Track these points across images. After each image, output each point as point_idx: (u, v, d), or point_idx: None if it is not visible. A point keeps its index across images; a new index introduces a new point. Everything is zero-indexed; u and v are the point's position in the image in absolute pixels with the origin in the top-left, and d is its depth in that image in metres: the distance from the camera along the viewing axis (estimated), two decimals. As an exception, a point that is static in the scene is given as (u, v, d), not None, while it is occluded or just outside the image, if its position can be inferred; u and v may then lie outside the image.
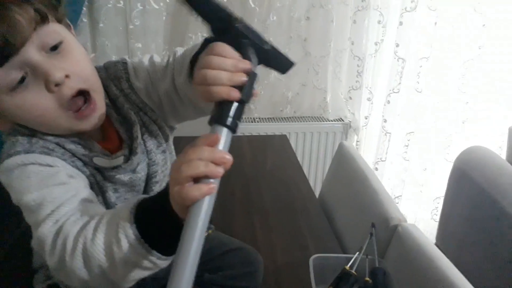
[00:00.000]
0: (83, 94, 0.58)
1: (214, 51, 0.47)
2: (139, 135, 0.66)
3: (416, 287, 0.80)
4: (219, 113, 0.45)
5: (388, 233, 0.91)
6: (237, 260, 0.84)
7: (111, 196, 0.65)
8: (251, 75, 0.46)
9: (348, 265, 0.85)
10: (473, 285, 0.71)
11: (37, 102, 0.54)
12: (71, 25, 0.62)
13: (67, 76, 0.54)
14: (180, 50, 0.64)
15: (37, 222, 0.54)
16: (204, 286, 0.81)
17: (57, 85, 0.54)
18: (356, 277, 0.83)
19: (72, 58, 0.57)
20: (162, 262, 0.50)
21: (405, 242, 0.86)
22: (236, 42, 0.48)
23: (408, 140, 1.99)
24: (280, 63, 0.52)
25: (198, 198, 0.41)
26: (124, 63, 0.68)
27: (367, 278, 0.83)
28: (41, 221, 0.53)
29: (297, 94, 1.97)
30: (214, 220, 0.93)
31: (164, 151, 0.71)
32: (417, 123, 1.98)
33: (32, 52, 0.52)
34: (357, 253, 0.88)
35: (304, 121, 1.98)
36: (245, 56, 0.48)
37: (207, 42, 0.51)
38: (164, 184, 0.58)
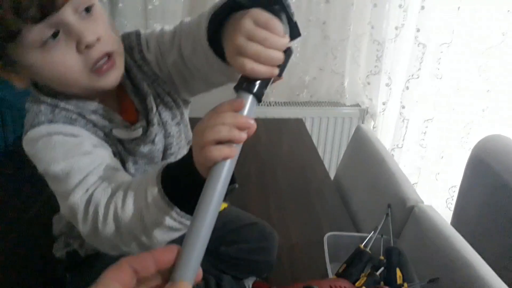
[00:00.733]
0: (107, 56, 0.58)
1: (259, 21, 0.44)
2: (154, 107, 0.66)
3: (432, 267, 0.80)
4: (246, 80, 0.44)
5: (404, 214, 0.91)
6: (253, 235, 0.85)
7: (131, 167, 0.67)
8: (288, 52, 0.45)
9: (363, 244, 0.86)
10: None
11: (64, 60, 0.55)
12: None
13: (98, 39, 0.55)
14: (188, 19, 0.63)
15: (67, 191, 0.55)
16: (220, 258, 0.83)
17: (87, 46, 0.55)
18: (370, 255, 0.84)
19: (102, 22, 0.58)
20: (186, 220, 0.51)
21: (421, 223, 0.86)
22: (271, 8, 0.44)
23: (426, 127, 1.97)
24: (292, 31, 0.48)
25: (218, 160, 0.42)
26: (138, 34, 0.68)
27: (382, 257, 0.83)
28: (71, 191, 0.55)
29: (314, 79, 1.95)
30: (230, 199, 0.95)
31: (178, 123, 0.71)
32: (435, 110, 1.95)
33: (68, 12, 0.53)
34: (372, 232, 0.88)
35: (320, 106, 1.97)
36: (284, 28, 0.45)
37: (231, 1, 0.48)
38: (179, 157, 0.59)
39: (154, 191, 0.50)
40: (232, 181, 0.45)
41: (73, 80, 0.57)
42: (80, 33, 0.54)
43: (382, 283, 0.79)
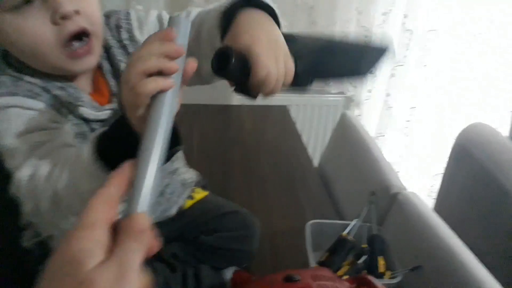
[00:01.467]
0: (82, 37, 0.55)
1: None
2: None
3: (415, 254, 0.79)
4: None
5: (387, 201, 0.90)
6: (234, 223, 0.82)
7: None
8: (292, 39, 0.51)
9: (346, 232, 0.84)
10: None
11: (36, 30, 0.51)
12: None
13: (76, 12, 0.52)
14: (195, 11, 0.60)
15: (15, 167, 0.53)
16: (199, 247, 0.80)
17: (63, 18, 0.51)
18: (353, 243, 0.82)
19: None
20: None
21: (405, 210, 0.85)
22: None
23: (410, 115, 1.96)
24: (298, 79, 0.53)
25: (153, 92, 0.38)
26: (127, 13, 0.65)
27: (365, 245, 0.82)
28: (18, 166, 0.52)
29: (300, 65, 1.92)
30: (212, 186, 0.92)
31: None
32: (420, 98, 1.94)
33: None
34: (355, 220, 0.87)
35: (304, 94, 1.94)
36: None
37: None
38: None
39: (87, 158, 0.47)
40: (177, 143, 0.43)
41: (41, 54, 0.53)
42: (58, 0, 0.50)
43: (365, 271, 0.78)
